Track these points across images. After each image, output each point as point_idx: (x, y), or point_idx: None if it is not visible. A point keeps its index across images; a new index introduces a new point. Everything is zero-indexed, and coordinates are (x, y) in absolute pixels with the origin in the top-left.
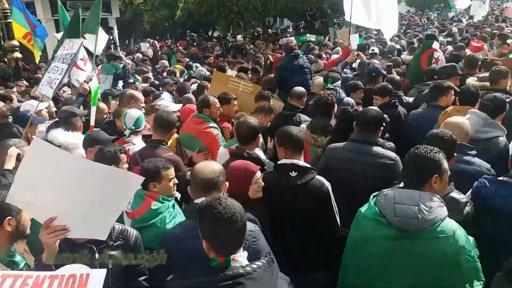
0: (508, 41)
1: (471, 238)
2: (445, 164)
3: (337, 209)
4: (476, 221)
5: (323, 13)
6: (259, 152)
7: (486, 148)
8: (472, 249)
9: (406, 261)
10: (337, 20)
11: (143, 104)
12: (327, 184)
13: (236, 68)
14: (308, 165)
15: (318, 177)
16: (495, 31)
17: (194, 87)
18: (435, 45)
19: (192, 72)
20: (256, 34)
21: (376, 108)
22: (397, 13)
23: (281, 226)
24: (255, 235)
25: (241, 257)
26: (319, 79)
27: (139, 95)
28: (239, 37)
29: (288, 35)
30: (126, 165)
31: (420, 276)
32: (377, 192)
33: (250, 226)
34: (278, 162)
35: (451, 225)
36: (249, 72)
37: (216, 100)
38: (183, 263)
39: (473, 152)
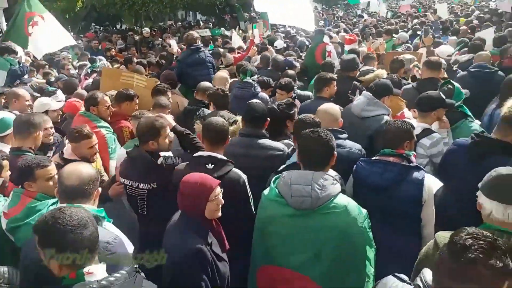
0: (395, 35)
1: (363, 211)
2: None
3: (252, 201)
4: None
5: (231, 7)
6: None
7: (371, 124)
8: (364, 220)
9: (305, 237)
10: (250, 14)
11: (29, 103)
12: (244, 177)
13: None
14: (225, 158)
15: (235, 169)
16: (388, 27)
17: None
18: (325, 39)
19: (95, 66)
20: (164, 27)
21: (259, 101)
22: (311, 10)
23: None
24: (111, 248)
25: (97, 269)
26: (221, 74)
27: (23, 93)
28: (146, 30)
29: (198, 28)
30: (9, 172)
31: (319, 250)
32: (278, 175)
33: (106, 237)
34: (194, 155)
35: (343, 200)
36: (152, 65)
37: (106, 98)
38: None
39: (344, 135)
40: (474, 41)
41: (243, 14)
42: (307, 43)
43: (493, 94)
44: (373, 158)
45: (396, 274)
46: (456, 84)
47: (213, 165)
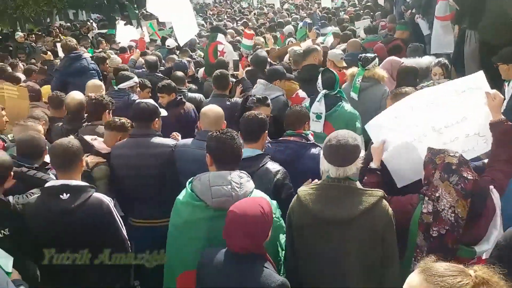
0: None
1: (274, 202)
2: None
3: (122, 225)
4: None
5: (121, 5)
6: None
7: (273, 106)
8: (276, 210)
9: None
10: (144, 12)
11: None
12: (108, 200)
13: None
14: (83, 183)
15: (96, 194)
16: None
17: None
18: (220, 38)
19: None
20: (50, 29)
21: (150, 100)
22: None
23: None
24: None
25: None
26: (93, 81)
27: None
28: (19, 35)
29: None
30: None
31: None
32: (192, 178)
33: None
34: (45, 185)
35: (257, 195)
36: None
37: None
38: None
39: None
40: (345, 32)
41: (135, 12)
42: (197, 40)
43: None
44: (279, 138)
45: None
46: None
47: (68, 195)
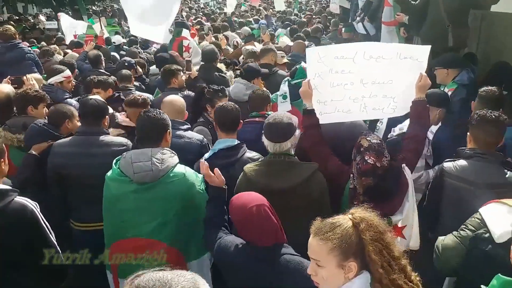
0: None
1: (200, 175)
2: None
3: (50, 231)
4: None
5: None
6: None
7: None
8: (201, 183)
9: (152, 207)
10: (104, 7)
11: None
12: (32, 205)
13: None
14: (4, 186)
15: (18, 199)
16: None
17: None
18: (185, 33)
19: None
20: None
21: (97, 97)
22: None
23: None
24: None
25: None
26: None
27: None
28: None
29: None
30: None
31: (166, 215)
32: (119, 156)
33: None
34: None
35: (181, 169)
36: None
37: None
38: None
39: (185, 126)
40: (298, 34)
41: (85, 7)
42: None
43: None
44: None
45: None
46: (302, 65)
47: None
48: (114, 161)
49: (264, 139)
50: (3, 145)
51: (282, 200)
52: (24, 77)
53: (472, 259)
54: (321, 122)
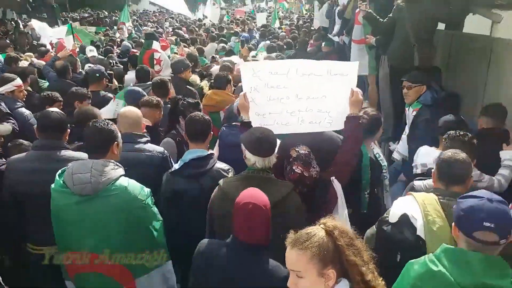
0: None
1: (146, 189)
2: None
3: None
4: None
5: (48, 6)
6: None
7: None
8: (146, 197)
9: (94, 220)
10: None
11: None
12: None
13: None
14: None
15: None
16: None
17: None
18: (155, 45)
19: None
20: None
21: (58, 110)
22: None
23: None
24: None
25: None
26: None
27: None
28: None
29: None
30: None
31: (109, 229)
32: (63, 168)
33: None
34: None
35: (123, 182)
36: None
37: None
38: None
39: (144, 139)
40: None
41: (59, 12)
42: (130, 46)
43: None
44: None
45: None
46: None
47: None
48: (59, 171)
49: (248, 154)
50: None
51: None
52: None
53: (378, 240)
54: None
